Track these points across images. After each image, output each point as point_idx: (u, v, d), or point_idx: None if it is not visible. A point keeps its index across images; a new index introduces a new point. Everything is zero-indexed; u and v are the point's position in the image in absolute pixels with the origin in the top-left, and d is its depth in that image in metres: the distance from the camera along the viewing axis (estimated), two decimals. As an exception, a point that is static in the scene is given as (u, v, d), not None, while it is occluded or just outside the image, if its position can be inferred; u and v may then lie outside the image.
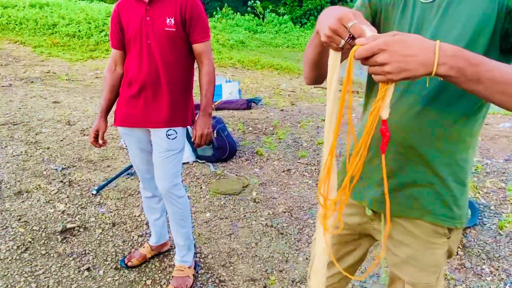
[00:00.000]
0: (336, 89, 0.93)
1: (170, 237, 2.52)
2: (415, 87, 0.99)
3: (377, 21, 1.11)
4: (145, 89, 1.93)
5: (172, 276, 2.15)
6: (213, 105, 5.06)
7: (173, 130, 1.98)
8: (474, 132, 1.03)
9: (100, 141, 2.11)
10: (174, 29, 1.86)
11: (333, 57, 0.92)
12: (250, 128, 4.73)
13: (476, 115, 1.01)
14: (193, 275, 2.20)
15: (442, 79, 0.78)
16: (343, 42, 0.84)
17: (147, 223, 2.70)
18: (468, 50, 0.78)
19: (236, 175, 3.52)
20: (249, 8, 17.29)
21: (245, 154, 3.97)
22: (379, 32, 0.93)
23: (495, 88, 0.76)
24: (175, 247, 2.48)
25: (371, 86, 1.15)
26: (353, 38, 0.83)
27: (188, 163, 3.68)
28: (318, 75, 1.11)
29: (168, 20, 1.85)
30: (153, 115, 1.96)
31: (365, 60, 0.78)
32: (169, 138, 1.98)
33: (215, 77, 2.00)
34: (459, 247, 2.56)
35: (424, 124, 1.00)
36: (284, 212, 2.95)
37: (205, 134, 1.97)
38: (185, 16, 1.86)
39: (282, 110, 5.72)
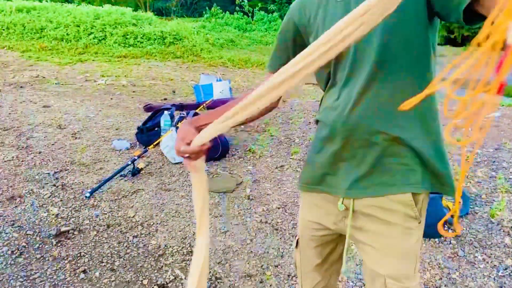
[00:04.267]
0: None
1: (164, 237, 2.52)
2: (360, 76, 1.01)
3: (304, 37, 1.15)
4: None
5: None
6: (204, 104, 5.07)
7: None
8: (431, 99, 1.04)
9: None
10: None
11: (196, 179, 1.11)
12: (242, 126, 4.74)
13: (426, 84, 1.01)
14: None
15: None
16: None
17: (142, 224, 2.70)
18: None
19: (230, 173, 3.53)
20: (237, 8, 17.26)
21: (237, 152, 3.98)
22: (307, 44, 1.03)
23: None
24: (170, 247, 2.49)
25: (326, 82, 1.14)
26: None
27: (181, 162, 3.68)
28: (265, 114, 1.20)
29: None
30: None
31: None
32: None
33: None
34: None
35: (380, 106, 1.01)
36: (278, 208, 2.96)
37: None
38: None
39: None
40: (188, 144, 1.06)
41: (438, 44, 1.17)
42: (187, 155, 1.07)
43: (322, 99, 1.18)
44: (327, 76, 1.12)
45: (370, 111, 1.02)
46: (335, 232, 1.21)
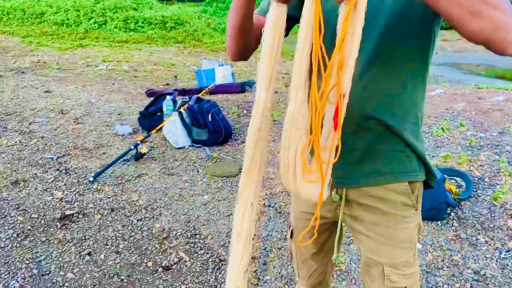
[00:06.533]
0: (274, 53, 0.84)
1: (168, 220, 2.53)
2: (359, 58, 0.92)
3: None
4: None
5: None
6: (206, 89, 5.05)
7: None
8: (423, 90, 1.04)
9: None
10: None
11: (277, 11, 0.81)
12: (245, 111, 4.72)
13: (423, 75, 1.02)
14: None
15: None
16: None
17: (145, 207, 2.72)
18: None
19: (232, 157, 3.53)
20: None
21: (240, 137, 3.97)
22: None
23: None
24: (174, 230, 2.51)
25: None
26: None
27: (184, 147, 3.69)
28: (243, 46, 1.01)
29: None
30: None
31: None
32: None
33: None
34: (454, 219, 2.60)
35: (376, 91, 0.99)
36: (281, 192, 2.97)
37: None
38: None
39: (276, 92, 5.68)
40: None
41: (443, 28, 1.16)
42: None
43: None
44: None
45: (365, 96, 0.98)
46: (330, 220, 1.19)
